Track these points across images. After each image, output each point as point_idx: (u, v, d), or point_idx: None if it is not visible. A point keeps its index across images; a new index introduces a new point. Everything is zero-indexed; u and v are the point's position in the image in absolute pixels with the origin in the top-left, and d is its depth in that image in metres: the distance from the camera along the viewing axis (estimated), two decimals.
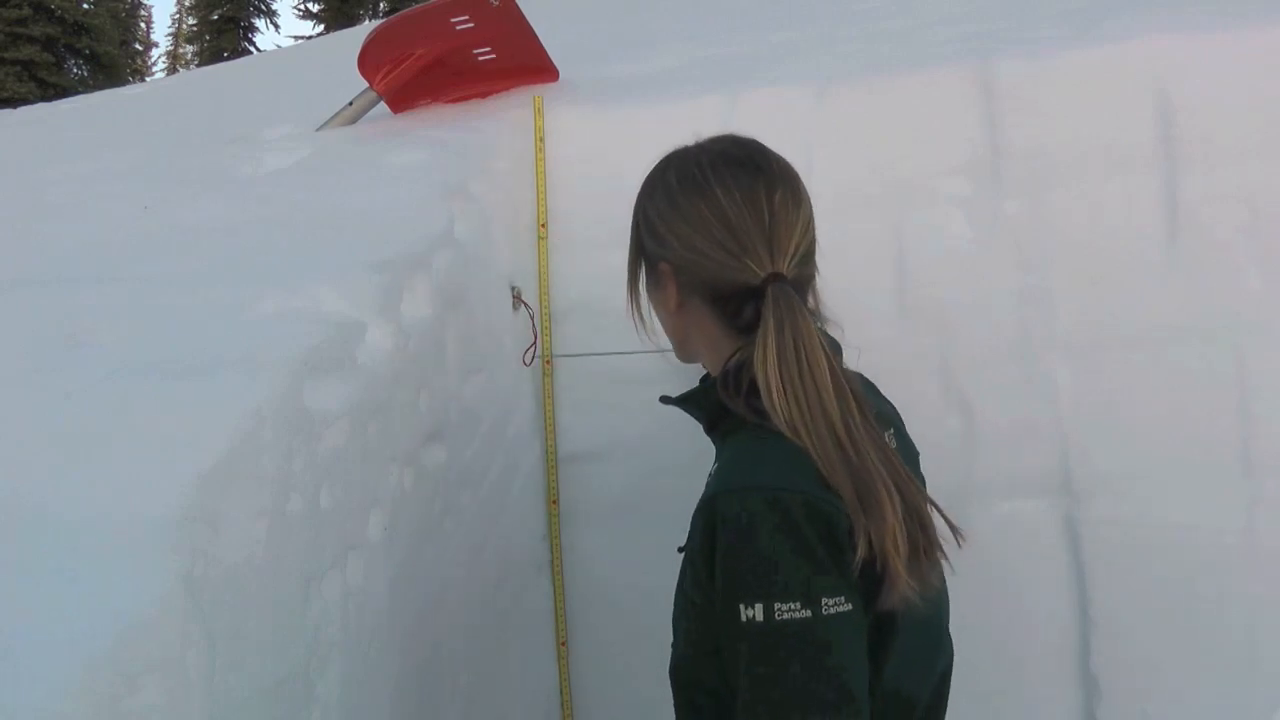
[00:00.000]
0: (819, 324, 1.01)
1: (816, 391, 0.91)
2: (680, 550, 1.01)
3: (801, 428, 0.90)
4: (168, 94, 5.83)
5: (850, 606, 0.87)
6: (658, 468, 1.93)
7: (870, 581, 0.89)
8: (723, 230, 0.98)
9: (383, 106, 2.45)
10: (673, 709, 1.04)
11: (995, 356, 1.89)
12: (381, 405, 1.33)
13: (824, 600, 0.85)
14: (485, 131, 2.12)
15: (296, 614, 1.09)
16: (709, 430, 1.06)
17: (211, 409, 1.07)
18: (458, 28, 2.23)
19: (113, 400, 1.10)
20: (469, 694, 1.59)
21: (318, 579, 1.15)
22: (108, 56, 22.26)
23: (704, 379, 1.09)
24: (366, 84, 2.40)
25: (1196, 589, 1.81)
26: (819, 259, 1.05)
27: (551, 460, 1.96)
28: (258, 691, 1.00)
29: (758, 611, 0.85)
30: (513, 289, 1.91)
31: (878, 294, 1.93)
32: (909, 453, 1.10)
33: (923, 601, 0.91)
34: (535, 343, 1.95)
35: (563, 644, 1.95)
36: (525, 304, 1.93)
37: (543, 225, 2.02)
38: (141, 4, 32.10)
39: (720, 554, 0.89)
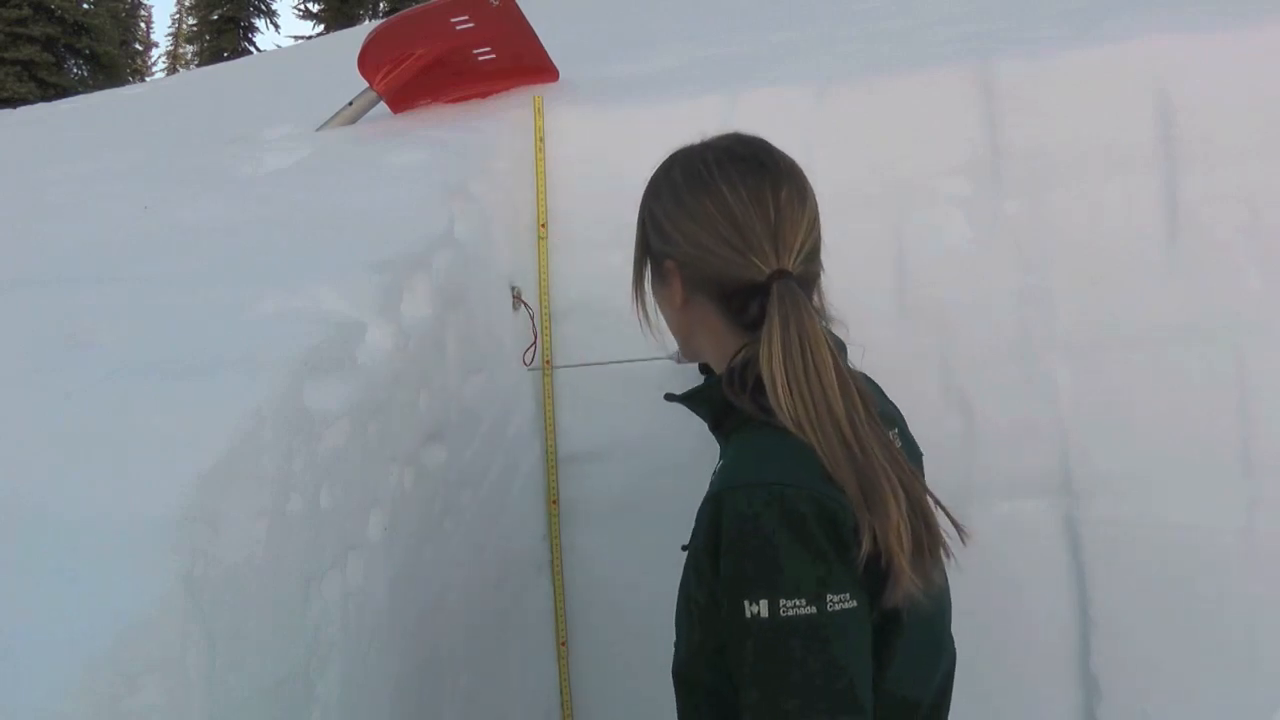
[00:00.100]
0: (824, 322, 1.01)
1: (821, 388, 0.91)
2: (684, 548, 1.01)
3: (807, 424, 0.90)
4: (168, 94, 5.82)
5: (855, 603, 0.87)
6: (658, 468, 1.93)
7: (875, 579, 0.89)
8: (728, 227, 0.98)
9: (383, 106, 2.45)
10: (674, 709, 1.04)
11: (995, 356, 1.89)
12: (381, 405, 1.33)
13: (829, 597, 0.85)
14: (485, 131, 2.12)
15: (296, 614, 1.09)
16: (714, 428, 1.06)
17: (211, 409, 1.07)
18: (458, 28, 2.23)
19: (113, 400, 1.10)
20: (469, 694, 1.59)
21: (318, 579, 1.15)
22: (108, 56, 22.26)
23: (708, 378, 1.09)
24: (366, 84, 2.40)
25: (1196, 589, 1.81)
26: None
27: (551, 460, 1.96)
28: (258, 691, 1.00)
29: (763, 608, 0.85)
30: (513, 289, 1.91)
31: (878, 294, 1.93)
32: (913, 453, 1.10)
33: (926, 599, 0.91)
34: (535, 343, 1.95)
35: (563, 644, 1.95)
36: (525, 304, 1.93)
37: (543, 225, 2.02)
38: (141, 4, 32.10)
39: (725, 550, 0.89)
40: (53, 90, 18.47)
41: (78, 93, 14.98)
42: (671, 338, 1.14)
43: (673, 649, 1.04)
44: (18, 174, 2.78)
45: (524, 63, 2.35)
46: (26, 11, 20.24)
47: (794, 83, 2.08)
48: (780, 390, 0.91)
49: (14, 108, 6.41)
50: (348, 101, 2.45)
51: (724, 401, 1.00)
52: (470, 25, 2.22)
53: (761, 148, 1.04)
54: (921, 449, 1.13)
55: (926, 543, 0.91)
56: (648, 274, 1.11)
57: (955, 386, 1.90)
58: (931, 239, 1.93)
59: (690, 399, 1.07)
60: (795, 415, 0.91)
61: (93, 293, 1.46)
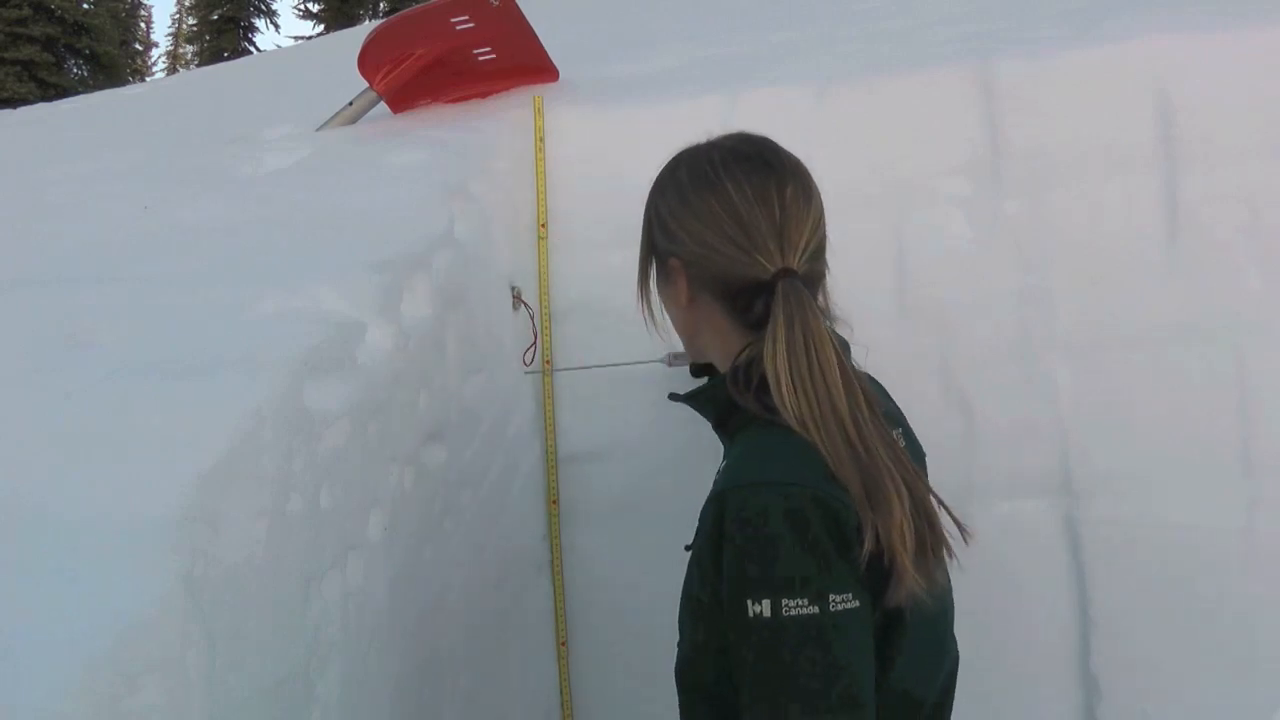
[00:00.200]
0: (829, 321, 1.01)
1: (826, 387, 0.91)
2: (688, 549, 1.01)
3: (811, 423, 0.90)
4: (168, 94, 5.82)
5: (858, 603, 0.87)
6: (658, 468, 1.93)
7: (877, 578, 0.89)
8: (734, 225, 0.98)
9: (383, 106, 2.45)
10: (674, 709, 1.04)
11: (995, 356, 1.89)
12: (381, 405, 1.33)
13: (832, 597, 0.85)
14: (485, 131, 2.12)
15: (296, 614, 1.09)
16: (717, 427, 1.06)
17: (211, 409, 1.07)
18: (458, 28, 2.23)
19: (113, 400, 1.10)
20: (469, 694, 1.59)
21: (318, 579, 1.15)
22: (108, 56, 22.26)
23: (709, 377, 1.09)
24: (366, 84, 2.40)
25: (1196, 589, 1.81)
26: None
27: (551, 460, 1.96)
28: (258, 691, 1.00)
29: (765, 608, 0.85)
30: (513, 289, 1.91)
31: (878, 294, 1.93)
32: (916, 453, 1.10)
33: (930, 599, 0.91)
34: (535, 343, 1.95)
35: (563, 644, 1.94)
36: (525, 304, 1.93)
37: (543, 225, 2.02)
38: (141, 4, 32.10)
39: (728, 549, 0.89)
40: (53, 90, 18.47)
41: (78, 93, 14.98)
42: (675, 337, 1.14)
43: (675, 648, 1.04)
44: (18, 174, 2.78)
45: (524, 63, 2.35)
46: (26, 11, 20.24)
47: (794, 83, 2.08)
48: (784, 389, 0.92)
49: (14, 108, 6.41)
50: (348, 101, 2.45)
51: (728, 400, 1.00)
52: (470, 25, 2.22)
53: (767, 147, 1.05)
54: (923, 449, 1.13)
55: (930, 542, 0.92)
56: (653, 272, 1.11)
57: (955, 386, 1.90)
58: (931, 239, 1.93)
59: (694, 398, 1.07)
60: (799, 414, 0.91)
61: (93, 293, 1.46)
